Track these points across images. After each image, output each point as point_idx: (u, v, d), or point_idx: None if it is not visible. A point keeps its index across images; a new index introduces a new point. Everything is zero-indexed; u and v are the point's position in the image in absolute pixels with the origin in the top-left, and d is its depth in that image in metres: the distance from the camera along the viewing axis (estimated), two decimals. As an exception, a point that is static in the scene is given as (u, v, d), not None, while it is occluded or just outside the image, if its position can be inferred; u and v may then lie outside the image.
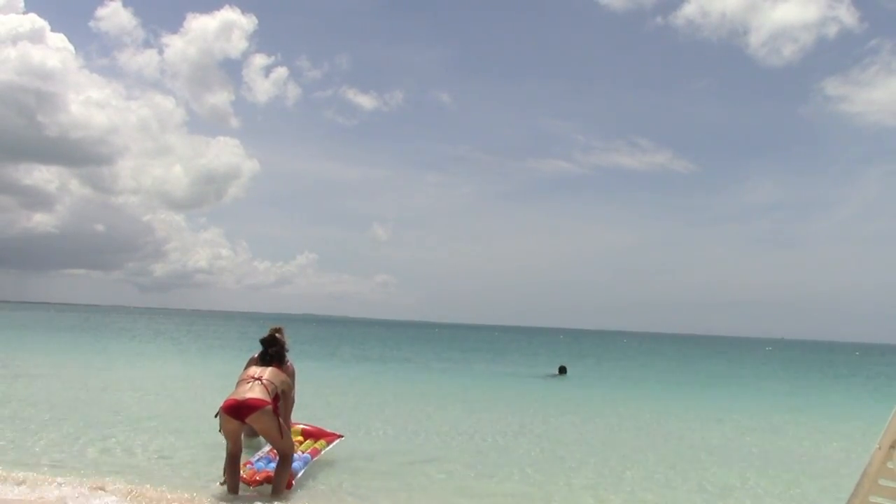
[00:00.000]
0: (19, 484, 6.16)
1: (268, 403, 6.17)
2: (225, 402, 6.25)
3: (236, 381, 6.62)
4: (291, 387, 6.78)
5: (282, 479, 6.39)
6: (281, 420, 6.36)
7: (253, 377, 6.39)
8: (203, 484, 6.60)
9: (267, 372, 6.49)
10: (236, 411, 6.11)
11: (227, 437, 6.26)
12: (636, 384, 24.32)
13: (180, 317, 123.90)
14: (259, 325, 62.54)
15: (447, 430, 10.77)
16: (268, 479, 6.44)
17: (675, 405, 17.19)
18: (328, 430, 8.39)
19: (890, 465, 3.99)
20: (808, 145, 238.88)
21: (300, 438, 7.87)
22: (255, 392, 6.21)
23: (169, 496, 6.10)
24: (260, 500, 6.19)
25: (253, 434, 7.16)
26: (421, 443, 9.77)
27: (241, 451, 6.39)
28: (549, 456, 9.21)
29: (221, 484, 6.41)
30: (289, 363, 6.89)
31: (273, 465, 6.60)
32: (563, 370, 24.73)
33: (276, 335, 6.82)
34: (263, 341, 6.95)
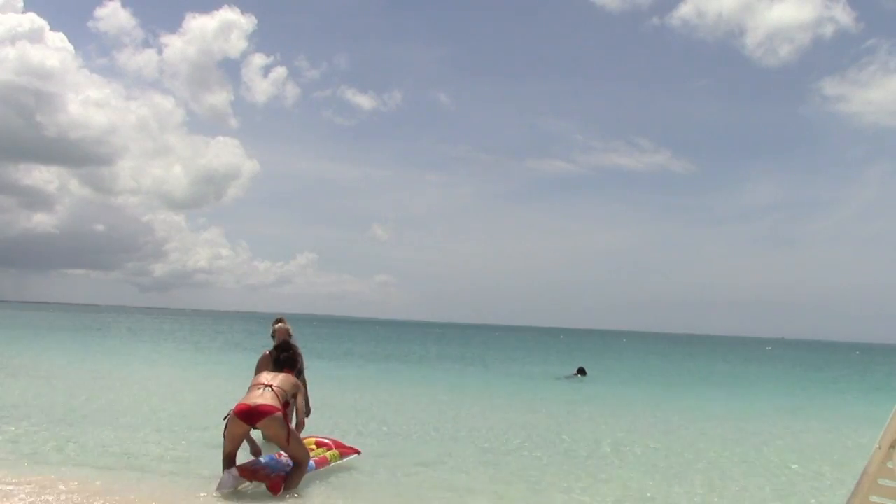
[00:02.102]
0: (22, 484, 6.18)
1: (278, 410, 6.41)
2: (237, 406, 6.48)
3: (251, 382, 6.76)
4: (303, 391, 6.92)
5: (291, 482, 6.50)
6: (290, 426, 6.56)
7: (265, 384, 6.62)
8: (201, 481, 6.65)
9: (278, 378, 6.72)
10: (248, 416, 6.36)
11: (228, 439, 6.47)
12: (657, 386, 24.09)
13: (183, 317, 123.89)
14: (262, 324, 62.40)
15: (465, 434, 10.73)
16: (264, 479, 6.41)
17: (681, 407, 17.24)
18: (345, 444, 8.08)
19: (890, 465, 4.03)
20: (807, 145, 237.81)
21: (313, 447, 7.67)
22: (266, 398, 6.45)
23: (167, 493, 6.17)
24: (258, 498, 6.25)
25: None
26: (429, 444, 9.79)
27: (236, 452, 6.53)
28: (568, 461, 9.06)
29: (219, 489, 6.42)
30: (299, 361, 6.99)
31: (278, 465, 6.63)
32: (582, 372, 24.25)
33: (290, 341, 7.00)
34: (277, 347, 7.19)
